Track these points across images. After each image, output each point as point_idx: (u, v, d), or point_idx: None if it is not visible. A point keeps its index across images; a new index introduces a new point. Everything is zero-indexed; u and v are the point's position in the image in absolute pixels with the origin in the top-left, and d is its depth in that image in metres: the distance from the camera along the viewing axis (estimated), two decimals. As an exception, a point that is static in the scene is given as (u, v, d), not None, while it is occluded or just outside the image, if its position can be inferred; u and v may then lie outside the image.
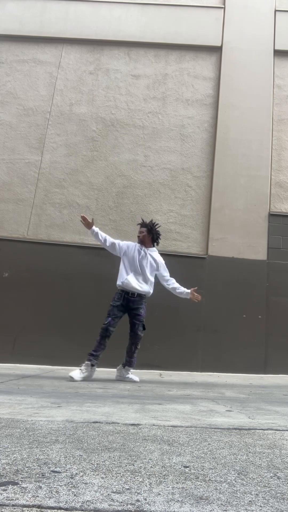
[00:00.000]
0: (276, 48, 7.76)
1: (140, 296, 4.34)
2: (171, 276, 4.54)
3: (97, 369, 4.28)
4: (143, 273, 4.37)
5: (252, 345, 6.43)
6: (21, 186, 7.24)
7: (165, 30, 7.92)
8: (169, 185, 7.23)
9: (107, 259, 6.83)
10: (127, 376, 4.36)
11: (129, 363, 4.38)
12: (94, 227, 4.45)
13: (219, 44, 7.81)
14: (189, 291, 4.47)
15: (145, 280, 4.37)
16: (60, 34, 8.00)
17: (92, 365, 4.14)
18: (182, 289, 4.49)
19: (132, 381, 4.28)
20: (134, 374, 4.48)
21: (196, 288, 4.54)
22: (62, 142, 7.47)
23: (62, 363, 6.12)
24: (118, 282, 4.37)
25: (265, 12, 7.94)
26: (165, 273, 4.51)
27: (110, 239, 4.50)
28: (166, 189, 7.20)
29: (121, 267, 4.44)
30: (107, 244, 4.48)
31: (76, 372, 4.06)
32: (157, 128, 7.51)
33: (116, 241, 4.52)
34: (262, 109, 7.47)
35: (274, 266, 6.77)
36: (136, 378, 4.38)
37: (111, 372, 5.00)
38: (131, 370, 4.46)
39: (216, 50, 7.84)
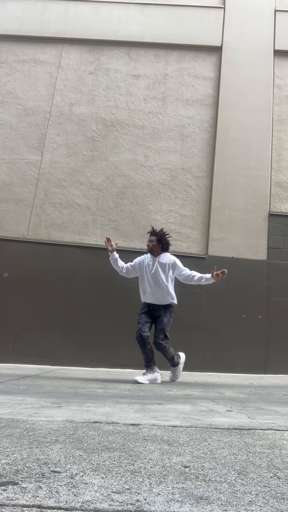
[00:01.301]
0: (276, 48, 7.76)
1: (164, 305, 4.33)
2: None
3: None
4: (159, 285, 4.30)
5: (252, 345, 6.43)
6: (21, 186, 7.24)
7: (165, 30, 7.92)
8: (169, 185, 7.22)
9: (107, 259, 6.83)
10: (172, 376, 4.41)
11: (171, 363, 4.36)
12: (115, 252, 4.40)
13: (219, 44, 7.81)
14: (209, 275, 4.31)
15: (165, 290, 4.31)
16: (60, 34, 8.00)
17: (152, 369, 4.21)
18: (205, 276, 4.34)
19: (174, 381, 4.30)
20: (177, 373, 4.44)
21: (215, 267, 4.37)
22: (62, 142, 7.47)
23: (62, 363, 6.13)
24: (142, 300, 4.43)
25: (265, 12, 7.94)
26: (181, 270, 4.36)
27: (125, 266, 4.45)
28: (166, 189, 7.20)
29: (140, 284, 4.45)
30: (124, 271, 4.45)
31: (140, 376, 4.15)
32: (157, 128, 7.51)
33: (128, 264, 4.47)
34: (262, 109, 7.47)
35: (274, 266, 6.77)
36: (143, 379, 4.16)
37: (111, 372, 5.01)
38: (179, 366, 4.42)
39: (216, 50, 7.84)
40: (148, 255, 4.45)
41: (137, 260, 4.49)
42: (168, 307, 4.33)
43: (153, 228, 4.58)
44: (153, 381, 4.12)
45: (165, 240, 4.45)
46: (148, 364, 4.20)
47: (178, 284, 4.60)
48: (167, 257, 4.40)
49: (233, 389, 3.92)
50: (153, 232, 4.49)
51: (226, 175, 7.15)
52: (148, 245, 4.46)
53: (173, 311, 4.39)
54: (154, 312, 4.32)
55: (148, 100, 7.68)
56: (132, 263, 4.47)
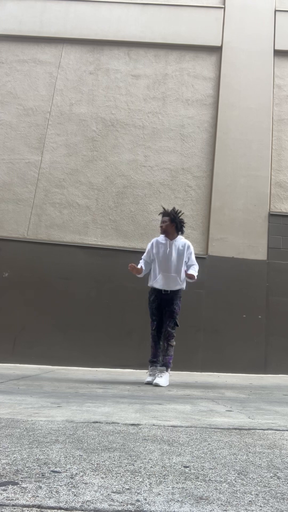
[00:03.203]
0: (276, 48, 7.76)
1: (174, 291, 4.13)
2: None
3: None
4: (172, 270, 4.10)
5: (252, 345, 6.43)
6: (21, 186, 7.24)
7: (165, 30, 7.92)
8: (169, 185, 7.23)
9: (107, 259, 6.84)
10: (155, 379, 3.92)
11: (163, 363, 4.06)
12: (141, 270, 4.21)
13: (219, 44, 7.81)
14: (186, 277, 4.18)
15: (177, 276, 4.10)
16: (60, 34, 8.00)
17: (156, 367, 4.08)
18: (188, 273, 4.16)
19: (154, 385, 3.85)
20: (163, 377, 3.94)
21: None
22: (62, 142, 7.47)
23: (62, 363, 6.13)
24: (149, 283, 4.24)
25: (265, 12, 7.94)
26: (188, 258, 4.17)
27: (146, 266, 4.24)
28: (166, 189, 7.20)
29: (153, 267, 4.22)
30: (148, 269, 4.25)
31: (148, 378, 4.08)
32: (157, 128, 7.51)
33: (143, 262, 4.25)
34: (262, 109, 7.47)
35: (274, 266, 6.77)
36: (161, 382, 3.87)
37: (111, 372, 5.01)
38: (165, 373, 4.00)
39: (216, 50, 7.84)
40: (162, 236, 4.20)
41: (151, 245, 4.25)
42: (177, 292, 4.16)
43: (164, 208, 4.30)
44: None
45: (178, 219, 4.17)
46: (155, 360, 4.12)
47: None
48: (182, 241, 4.20)
49: (233, 389, 3.92)
50: (165, 213, 4.21)
51: (226, 175, 7.15)
52: (161, 226, 4.17)
53: (181, 295, 4.24)
54: (164, 302, 4.14)
55: (148, 100, 7.68)
56: (145, 257, 4.25)
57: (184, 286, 4.22)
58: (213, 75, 7.77)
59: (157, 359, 4.14)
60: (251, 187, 7.09)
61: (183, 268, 4.17)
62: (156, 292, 4.20)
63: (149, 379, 4.09)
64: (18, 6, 8.17)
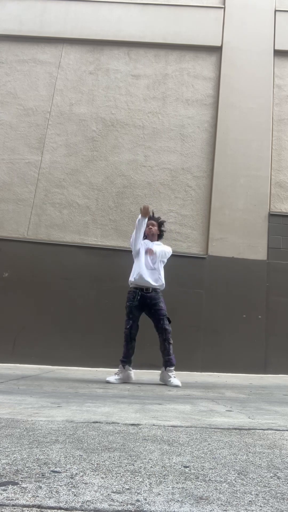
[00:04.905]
0: (276, 48, 7.76)
1: (155, 290, 4.23)
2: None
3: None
4: (153, 267, 4.26)
5: (252, 345, 6.43)
6: (21, 186, 7.24)
7: (165, 30, 7.92)
8: (169, 185, 7.22)
9: (107, 259, 6.84)
10: (169, 380, 3.99)
11: (168, 363, 4.08)
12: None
13: (219, 44, 7.81)
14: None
15: (157, 272, 4.27)
16: (60, 34, 8.00)
17: (124, 367, 4.14)
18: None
19: (174, 386, 3.88)
20: (177, 377, 4.05)
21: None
22: (62, 142, 7.47)
23: (62, 363, 6.13)
24: (131, 279, 4.29)
25: (265, 12, 7.93)
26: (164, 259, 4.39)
27: (138, 242, 4.35)
28: (166, 189, 7.20)
29: (134, 264, 4.35)
30: (137, 242, 4.31)
31: (111, 376, 4.12)
32: (157, 128, 7.51)
33: (138, 245, 4.39)
34: (262, 109, 7.47)
35: (274, 266, 6.77)
36: (178, 382, 3.95)
37: (111, 372, 5.00)
38: (174, 373, 4.08)
39: (216, 50, 7.84)
40: (146, 240, 4.41)
41: (141, 243, 4.44)
42: (157, 292, 4.25)
43: (153, 213, 4.53)
44: (125, 380, 4.11)
45: (161, 230, 4.55)
46: (125, 360, 4.15)
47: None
48: (162, 246, 4.43)
49: (233, 389, 3.92)
50: (154, 218, 4.51)
51: (226, 175, 7.15)
52: (150, 228, 4.40)
53: (163, 295, 4.32)
54: (147, 301, 4.19)
55: (148, 100, 7.68)
56: (139, 245, 4.39)
57: (163, 285, 4.32)
58: (213, 75, 7.77)
59: (128, 359, 4.17)
60: (251, 187, 7.09)
61: (161, 267, 4.33)
62: (137, 291, 4.25)
63: (111, 378, 4.08)
64: (18, 6, 8.17)
